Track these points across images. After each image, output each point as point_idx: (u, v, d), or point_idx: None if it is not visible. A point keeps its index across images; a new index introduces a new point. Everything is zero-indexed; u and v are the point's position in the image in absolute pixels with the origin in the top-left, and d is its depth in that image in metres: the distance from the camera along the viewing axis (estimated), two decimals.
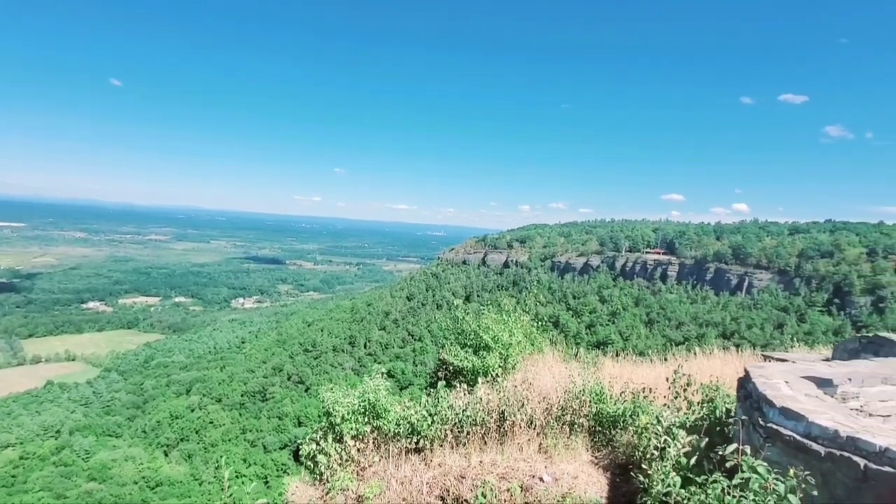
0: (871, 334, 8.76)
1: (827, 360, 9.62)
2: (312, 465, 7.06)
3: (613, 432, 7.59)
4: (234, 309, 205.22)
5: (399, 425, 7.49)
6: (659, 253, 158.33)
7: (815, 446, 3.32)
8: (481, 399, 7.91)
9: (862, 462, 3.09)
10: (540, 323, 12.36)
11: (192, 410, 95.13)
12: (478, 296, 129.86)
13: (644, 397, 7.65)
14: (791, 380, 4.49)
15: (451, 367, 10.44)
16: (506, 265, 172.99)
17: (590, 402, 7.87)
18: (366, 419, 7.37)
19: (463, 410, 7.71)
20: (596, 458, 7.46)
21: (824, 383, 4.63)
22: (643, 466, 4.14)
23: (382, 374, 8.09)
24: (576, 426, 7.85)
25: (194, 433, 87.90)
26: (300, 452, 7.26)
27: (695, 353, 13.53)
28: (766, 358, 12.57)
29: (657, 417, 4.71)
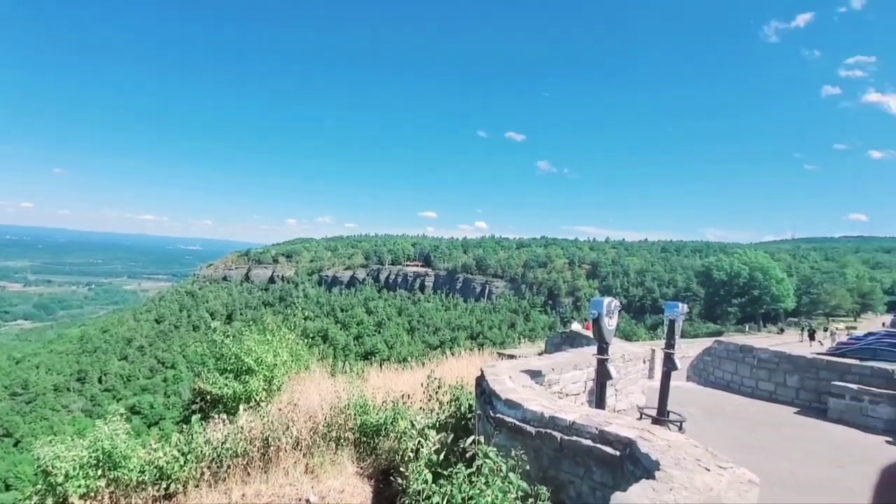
0: (568, 330, 11.41)
1: (541, 352, 12.12)
2: None
3: (377, 440, 7.99)
4: None
5: (144, 472, 6.51)
6: (417, 265, 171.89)
7: (528, 428, 4.17)
8: (243, 428, 7.44)
9: (559, 435, 4.00)
10: (308, 339, 12.20)
11: None
12: (241, 314, 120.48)
13: (403, 403, 8.28)
14: (514, 374, 5.51)
15: (208, 397, 9.53)
16: (272, 280, 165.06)
17: (354, 414, 8.12)
18: (100, 472, 6.19)
19: (222, 443, 7.11)
20: (361, 468, 7.73)
21: (535, 375, 5.81)
22: (401, 469, 4.56)
23: (121, 414, 6.95)
24: (342, 440, 7.99)
25: None
26: None
27: (447, 356, 15.17)
28: (500, 356, 14.92)
29: (412, 421, 5.21)
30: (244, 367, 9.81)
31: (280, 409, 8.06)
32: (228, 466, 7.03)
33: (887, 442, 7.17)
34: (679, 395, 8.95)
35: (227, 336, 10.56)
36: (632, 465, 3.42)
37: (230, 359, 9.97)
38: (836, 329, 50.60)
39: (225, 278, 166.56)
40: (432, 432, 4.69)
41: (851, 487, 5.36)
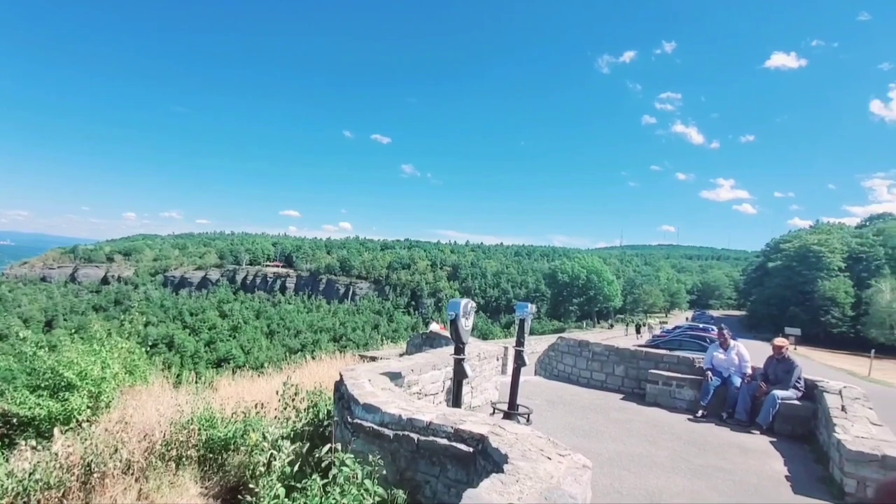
0: (428, 331, 11.77)
1: (402, 354, 12.37)
2: None
3: (225, 456, 7.40)
4: None
5: None
6: (278, 266, 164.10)
7: (386, 431, 4.18)
8: (58, 454, 6.38)
9: (416, 437, 4.07)
10: (148, 347, 10.96)
11: None
12: (64, 320, 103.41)
13: (257, 413, 7.79)
14: (373, 377, 5.49)
15: (15, 419, 8.07)
16: (105, 281, 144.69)
17: (199, 429, 7.44)
18: None
19: (30, 474, 6.02)
20: (206, 487, 7.09)
21: (395, 376, 5.86)
22: (251, 485, 4.27)
23: None
24: (184, 459, 7.26)
25: None
26: None
27: (307, 360, 14.66)
28: (362, 358, 14.83)
29: (264, 433, 4.92)
30: (63, 383, 8.49)
31: (108, 430, 7.09)
32: (39, 501, 5.98)
33: (688, 419, 8.55)
34: (528, 389, 9.70)
35: (42, 346, 9.04)
36: (483, 460, 3.60)
37: (45, 373, 8.56)
38: (652, 324, 59.25)
39: (44, 279, 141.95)
40: (286, 443, 4.47)
41: (661, 460, 6.28)
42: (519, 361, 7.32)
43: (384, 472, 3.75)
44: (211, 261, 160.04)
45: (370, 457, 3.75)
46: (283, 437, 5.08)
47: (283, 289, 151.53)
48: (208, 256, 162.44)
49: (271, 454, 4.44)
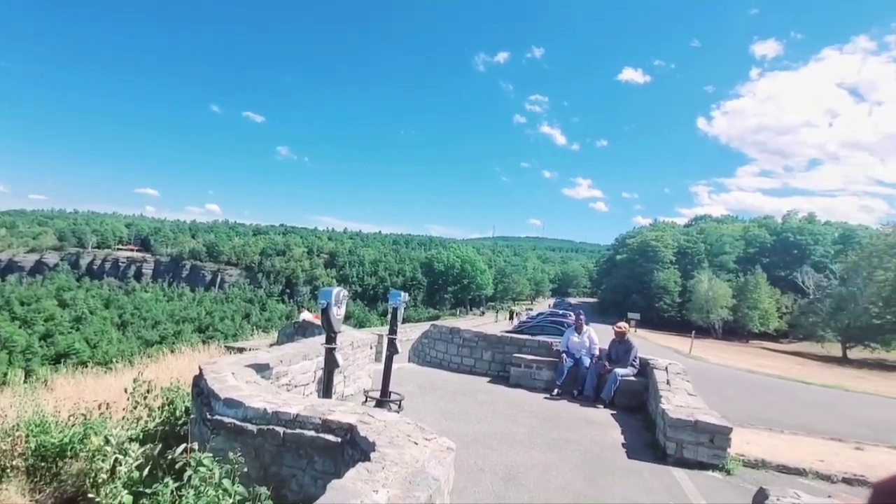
0: (300, 319, 11.42)
1: (272, 344, 11.90)
2: None
3: (61, 464, 6.55)
4: None
5: None
6: (133, 249, 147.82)
7: (250, 427, 4.01)
8: None
9: (281, 430, 3.96)
10: None
11: None
12: None
13: (101, 414, 6.99)
14: (237, 370, 5.21)
15: None
16: None
17: (28, 435, 6.49)
18: None
19: None
20: (37, 500, 6.23)
21: (262, 368, 5.63)
22: (91, 495, 3.85)
23: None
24: (8, 470, 6.30)
25: None
26: None
27: (166, 354, 13.43)
28: (229, 349, 13.95)
29: (106, 436, 4.45)
30: None
31: None
32: None
33: (545, 398, 9.38)
34: (401, 376, 9.89)
35: None
36: (352, 449, 3.65)
37: None
38: (519, 311, 63.60)
39: None
40: (135, 445, 4.09)
41: (520, 436, 6.85)
42: (392, 349, 7.44)
43: (246, 469, 3.62)
44: (48, 242, 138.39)
45: (231, 454, 3.58)
46: (130, 440, 4.65)
47: (138, 275, 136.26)
48: (44, 237, 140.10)
49: (116, 459, 4.04)
